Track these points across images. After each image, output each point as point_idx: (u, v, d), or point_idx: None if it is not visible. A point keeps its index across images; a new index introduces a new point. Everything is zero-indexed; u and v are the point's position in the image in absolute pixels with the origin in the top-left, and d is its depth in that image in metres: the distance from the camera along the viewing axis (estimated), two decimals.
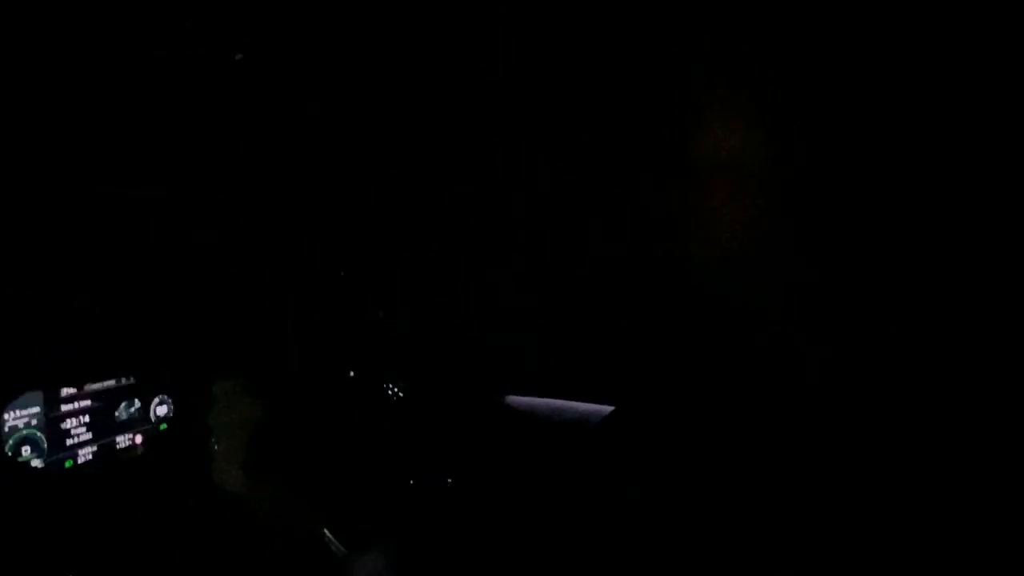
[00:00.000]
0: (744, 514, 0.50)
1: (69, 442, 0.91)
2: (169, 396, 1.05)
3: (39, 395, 0.88)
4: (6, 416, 0.84)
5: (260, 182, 1.23)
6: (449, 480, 1.30)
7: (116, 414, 0.97)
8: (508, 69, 1.25)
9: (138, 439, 1.00)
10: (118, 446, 0.97)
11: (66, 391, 0.91)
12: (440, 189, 1.51)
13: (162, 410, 1.04)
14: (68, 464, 0.90)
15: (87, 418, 0.92)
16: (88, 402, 0.93)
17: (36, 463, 0.87)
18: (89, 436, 0.93)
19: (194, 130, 1.06)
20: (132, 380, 0.99)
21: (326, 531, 0.65)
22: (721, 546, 0.50)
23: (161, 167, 1.06)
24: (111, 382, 0.96)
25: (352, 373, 1.36)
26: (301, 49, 1.13)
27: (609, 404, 1.21)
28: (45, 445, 0.88)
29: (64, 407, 0.90)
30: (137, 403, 1.00)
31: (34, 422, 0.87)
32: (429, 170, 1.49)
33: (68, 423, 0.91)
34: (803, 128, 0.50)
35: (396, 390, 1.31)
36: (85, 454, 0.92)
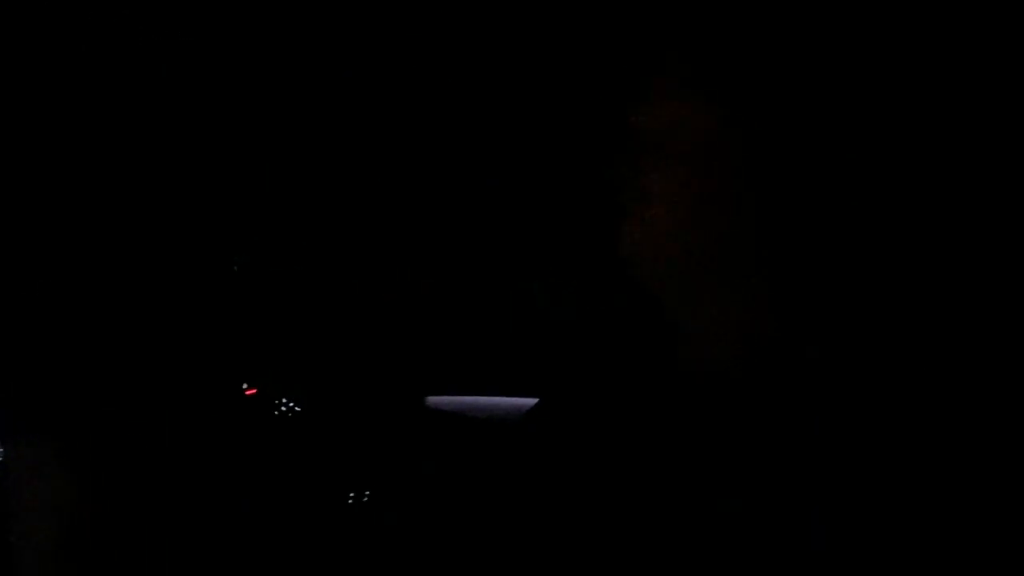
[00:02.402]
0: (681, 504, 0.48)
1: None
2: None
3: None
4: None
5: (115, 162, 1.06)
6: (367, 494, 1.19)
7: None
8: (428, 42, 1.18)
9: None
10: None
11: None
12: (346, 167, 1.41)
13: None
14: None
15: None
16: None
17: None
18: None
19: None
20: None
21: None
22: (659, 537, 0.48)
23: None
24: None
25: (246, 386, 1.20)
26: None
27: (533, 397, 1.14)
28: None
29: None
30: None
31: None
32: (333, 147, 1.39)
33: None
34: (760, 105, 0.48)
35: (291, 404, 1.16)
36: None
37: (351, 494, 1.17)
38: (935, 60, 0.46)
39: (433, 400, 1.40)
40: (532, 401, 1.23)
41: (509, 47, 1.21)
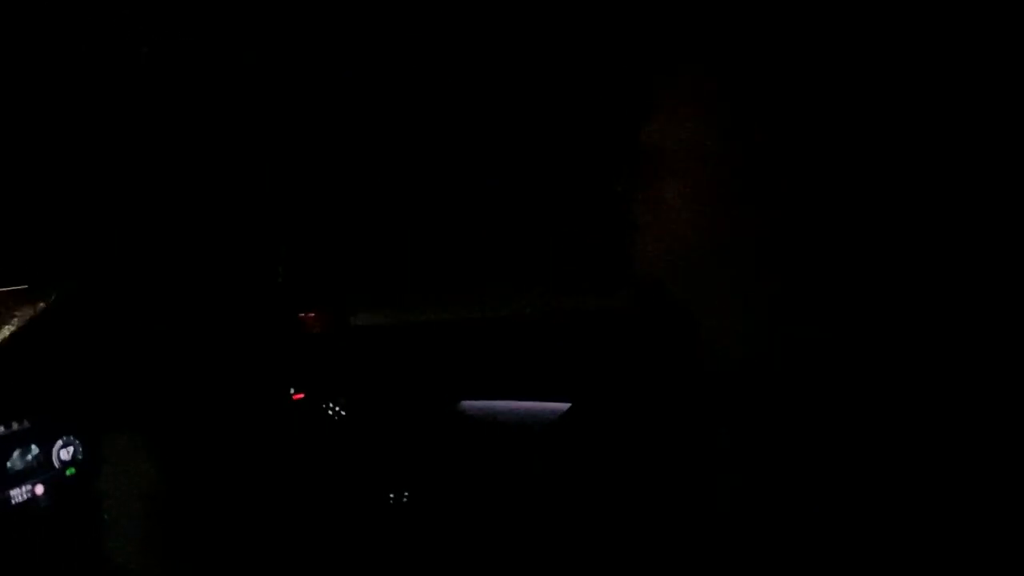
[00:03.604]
0: (708, 507, 0.48)
1: None
2: (75, 436, 0.94)
3: None
4: None
5: (171, 175, 1.12)
6: (406, 495, 1.23)
7: (8, 465, 0.85)
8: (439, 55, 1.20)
9: (39, 490, 0.88)
10: (14, 501, 0.85)
11: None
12: (383, 183, 1.44)
13: (67, 453, 0.92)
14: None
15: None
16: None
17: None
18: None
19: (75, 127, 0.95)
20: (26, 424, 0.87)
21: None
22: (686, 541, 0.48)
23: (46, 166, 0.95)
24: None
25: (292, 391, 1.26)
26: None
27: (564, 401, 1.17)
28: None
29: None
30: (35, 449, 0.88)
31: None
32: (371, 164, 1.42)
33: None
34: (767, 118, 0.48)
35: (337, 408, 1.21)
36: None
37: (389, 493, 1.21)
38: (936, 70, 0.46)
39: (467, 404, 1.43)
40: (561, 406, 1.26)
41: (534, 69, 1.23)
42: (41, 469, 0.88)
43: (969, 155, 0.47)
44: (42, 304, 0.93)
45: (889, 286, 0.48)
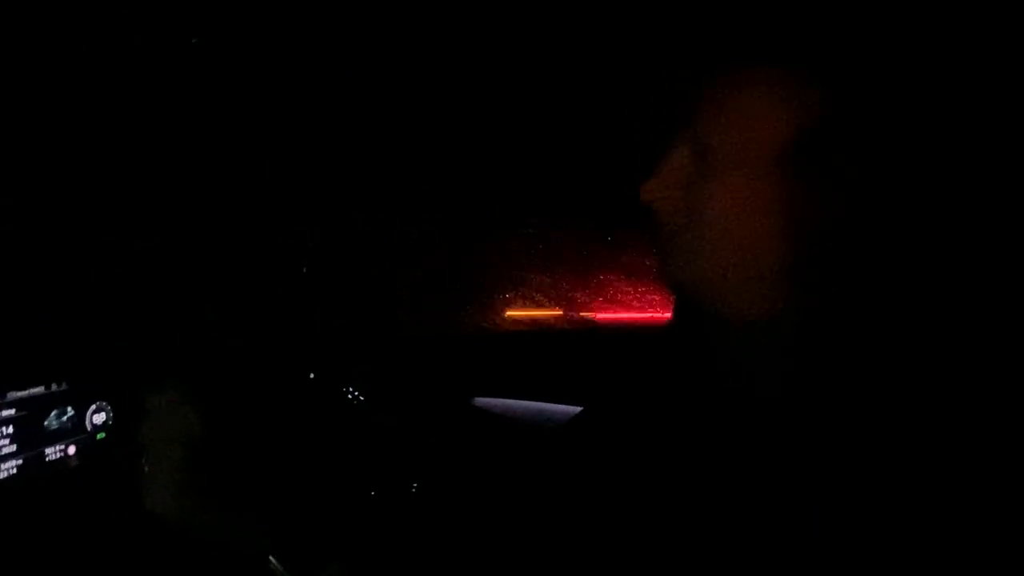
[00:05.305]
0: (718, 513, 0.48)
1: None
2: (107, 402, 0.97)
3: None
4: None
5: (207, 167, 1.16)
6: (415, 486, 1.26)
7: (46, 424, 0.89)
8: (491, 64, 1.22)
9: (71, 450, 0.92)
10: (47, 458, 0.89)
11: None
12: (408, 185, 1.47)
13: (99, 418, 0.96)
14: None
15: (11, 429, 0.84)
16: (12, 411, 0.85)
17: None
18: (13, 448, 0.84)
19: (123, 116, 0.99)
20: (64, 386, 0.91)
21: (271, 558, 0.58)
22: (697, 545, 0.47)
23: (88, 152, 0.98)
24: (39, 389, 0.88)
25: (312, 375, 1.29)
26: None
27: (578, 405, 1.19)
28: None
29: None
30: (70, 411, 0.92)
31: None
32: (403, 165, 1.44)
33: None
34: (806, 127, 0.47)
35: (356, 393, 1.24)
36: (8, 468, 0.84)
37: (402, 484, 1.23)
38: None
39: (480, 401, 1.45)
40: (576, 409, 1.27)
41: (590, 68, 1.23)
42: (74, 431, 0.92)
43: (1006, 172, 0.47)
44: (91, 279, 0.97)
45: (930, 304, 0.47)
